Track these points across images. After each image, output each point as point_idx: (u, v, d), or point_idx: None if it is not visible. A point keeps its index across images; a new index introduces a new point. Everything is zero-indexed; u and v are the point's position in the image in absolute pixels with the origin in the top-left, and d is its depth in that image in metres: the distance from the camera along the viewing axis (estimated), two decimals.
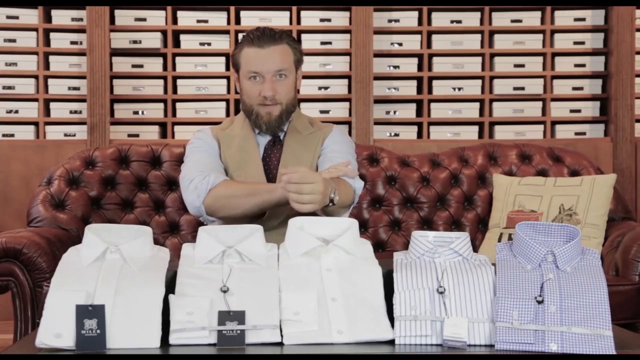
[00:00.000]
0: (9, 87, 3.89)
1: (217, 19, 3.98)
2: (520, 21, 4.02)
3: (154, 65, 3.96)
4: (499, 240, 2.98)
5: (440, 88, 4.00)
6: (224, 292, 1.58)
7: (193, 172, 2.28)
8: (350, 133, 3.90)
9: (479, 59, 4.01)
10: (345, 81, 3.99)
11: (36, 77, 3.91)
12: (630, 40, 3.92)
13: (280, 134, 2.41)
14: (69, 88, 3.94)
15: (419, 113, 4.03)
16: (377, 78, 3.96)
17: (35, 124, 3.91)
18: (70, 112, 3.93)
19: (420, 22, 4.01)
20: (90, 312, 1.49)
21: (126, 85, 3.95)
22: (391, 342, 1.55)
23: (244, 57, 2.33)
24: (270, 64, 2.30)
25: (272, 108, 2.32)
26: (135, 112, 3.95)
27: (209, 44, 3.96)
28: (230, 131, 2.43)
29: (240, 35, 3.94)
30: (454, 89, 4.01)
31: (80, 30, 3.92)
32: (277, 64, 2.31)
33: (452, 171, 3.25)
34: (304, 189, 1.94)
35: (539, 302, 1.54)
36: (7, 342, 3.07)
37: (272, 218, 2.29)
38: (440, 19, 4.02)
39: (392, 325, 1.57)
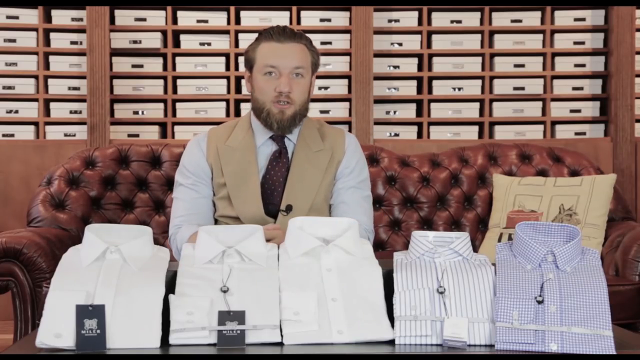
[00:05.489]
0: (9, 87, 3.89)
1: (217, 19, 3.97)
2: (520, 21, 4.02)
3: (154, 65, 3.96)
4: (499, 240, 2.98)
5: (440, 88, 4.00)
6: (224, 292, 1.58)
7: (172, 221, 2.33)
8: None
9: (479, 59, 4.01)
10: (345, 81, 3.98)
11: (36, 77, 3.91)
12: (630, 40, 3.91)
13: (288, 143, 2.34)
14: (69, 88, 3.93)
15: (419, 113, 4.02)
16: (377, 78, 3.95)
17: (35, 124, 3.91)
18: (70, 112, 3.93)
19: (420, 22, 4.01)
20: (90, 312, 1.49)
21: (126, 85, 3.95)
22: (391, 342, 1.56)
23: (260, 51, 2.26)
24: (288, 60, 2.24)
25: (286, 107, 2.24)
26: (135, 112, 3.95)
27: (209, 44, 3.96)
28: (231, 142, 2.34)
29: (240, 35, 3.95)
30: (454, 89, 4.01)
31: (80, 30, 3.92)
32: (296, 60, 2.24)
33: (452, 171, 3.24)
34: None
35: (539, 302, 1.54)
36: (7, 342, 3.07)
37: None
38: (440, 19, 4.01)
39: (392, 325, 1.57)
